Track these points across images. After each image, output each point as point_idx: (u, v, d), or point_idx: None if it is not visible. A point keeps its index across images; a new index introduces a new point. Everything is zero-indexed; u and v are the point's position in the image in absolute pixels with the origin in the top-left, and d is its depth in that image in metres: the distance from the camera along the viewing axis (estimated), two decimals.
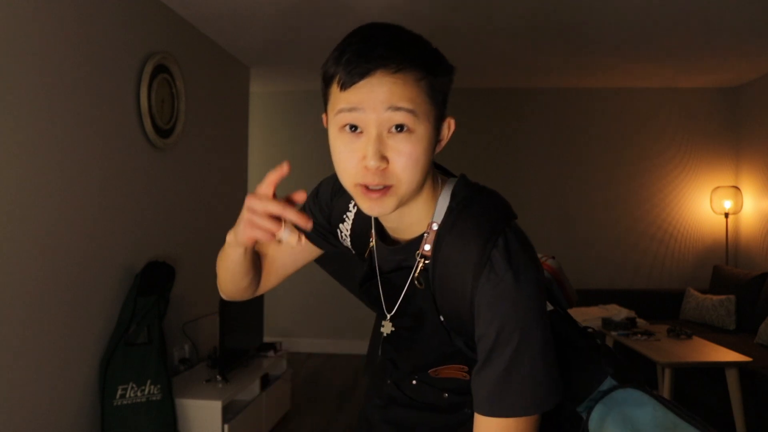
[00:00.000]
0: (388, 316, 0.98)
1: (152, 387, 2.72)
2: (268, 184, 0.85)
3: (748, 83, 4.92)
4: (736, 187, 4.96)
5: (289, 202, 0.86)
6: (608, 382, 0.98)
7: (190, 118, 3.50)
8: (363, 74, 0.78)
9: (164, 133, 3.20)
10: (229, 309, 3.15)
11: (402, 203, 0.85)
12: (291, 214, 0.82)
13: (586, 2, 3.22)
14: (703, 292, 4.59)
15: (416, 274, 0.92)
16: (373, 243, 1.01)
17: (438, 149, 0.88)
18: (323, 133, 0.87)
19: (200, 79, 3.69)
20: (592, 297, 4.40)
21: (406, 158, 0.81)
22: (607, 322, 3.72)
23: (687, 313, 4.52)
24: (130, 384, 2.66)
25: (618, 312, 3.86)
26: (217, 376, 3.10)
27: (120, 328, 2.70)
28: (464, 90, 5.27)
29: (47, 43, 2.34)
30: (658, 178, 5.18)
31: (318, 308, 5.37)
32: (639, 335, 3.51)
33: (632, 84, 5.09)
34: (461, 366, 0.99)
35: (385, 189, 0.82)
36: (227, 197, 4.14)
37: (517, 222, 0.90)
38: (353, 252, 1.09)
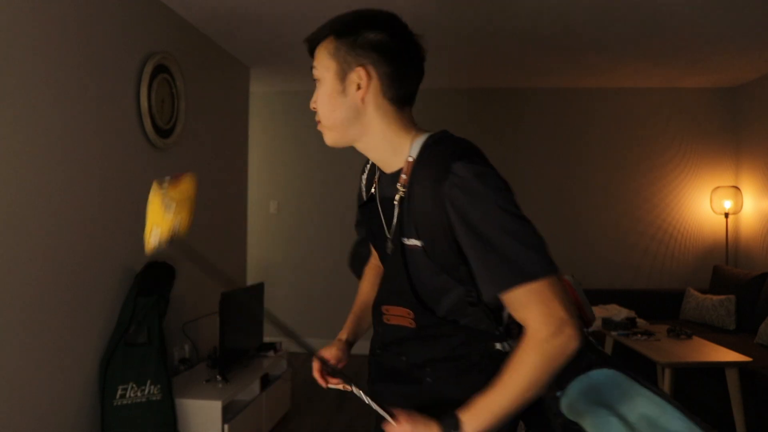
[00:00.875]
0: (389, 236, 1.12)
1: (152, 387, 2.72)
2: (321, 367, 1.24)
3: (748, 83, 4.92)
4: (736, 187, 4.96)
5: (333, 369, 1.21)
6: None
7: (190, 118, 3.50)
8: (310, 51, 1.15)
9: (164, 133, 3.20)
10: (229, 309, 3.15)
11: (341, 138, 1.10)
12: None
13: (587, 3, 3.22)
14: (703, 292, 4.58)
15: (395, 201, 1.08)
16: (377, 177, 1.18)
17: (362, 93, 1.06)
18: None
19: (200, 79, 3.69)
20: (592, 297, 4.35)
21: (319, 100, 1.11)
22: (607, 322, 3.72)
23: (687, 313, 4.52)
24: (130, 384, 2.67)
25: (618, 312, 3.86)
26: (217, 376, 3.10)
27: (120, 328, 2.70)
28: (464, 90, 5.28)
29: (47, 43, 2.34)
30: (658, 178, 5.18)
31: (318, 308, 5.36)
32: (639, 335, 3.51)
33: (632, 84, 5.08)
34: (407, 311, 1.09)
35: (318, 123, 1.12)
36: (227, 197, 4.14)
37: None
38: (365, 200, 1.23)
